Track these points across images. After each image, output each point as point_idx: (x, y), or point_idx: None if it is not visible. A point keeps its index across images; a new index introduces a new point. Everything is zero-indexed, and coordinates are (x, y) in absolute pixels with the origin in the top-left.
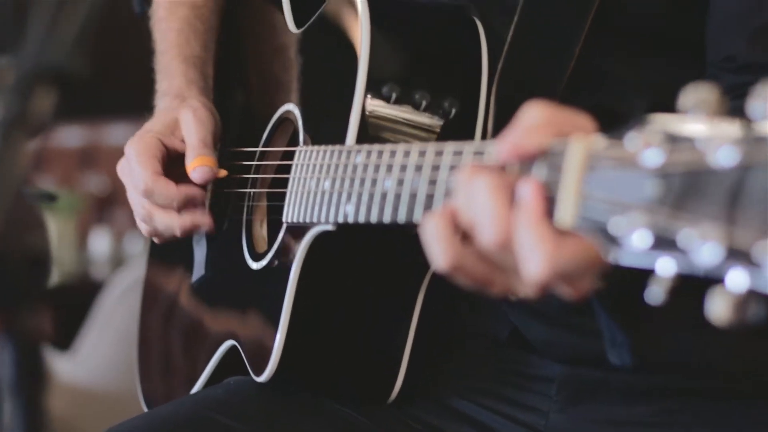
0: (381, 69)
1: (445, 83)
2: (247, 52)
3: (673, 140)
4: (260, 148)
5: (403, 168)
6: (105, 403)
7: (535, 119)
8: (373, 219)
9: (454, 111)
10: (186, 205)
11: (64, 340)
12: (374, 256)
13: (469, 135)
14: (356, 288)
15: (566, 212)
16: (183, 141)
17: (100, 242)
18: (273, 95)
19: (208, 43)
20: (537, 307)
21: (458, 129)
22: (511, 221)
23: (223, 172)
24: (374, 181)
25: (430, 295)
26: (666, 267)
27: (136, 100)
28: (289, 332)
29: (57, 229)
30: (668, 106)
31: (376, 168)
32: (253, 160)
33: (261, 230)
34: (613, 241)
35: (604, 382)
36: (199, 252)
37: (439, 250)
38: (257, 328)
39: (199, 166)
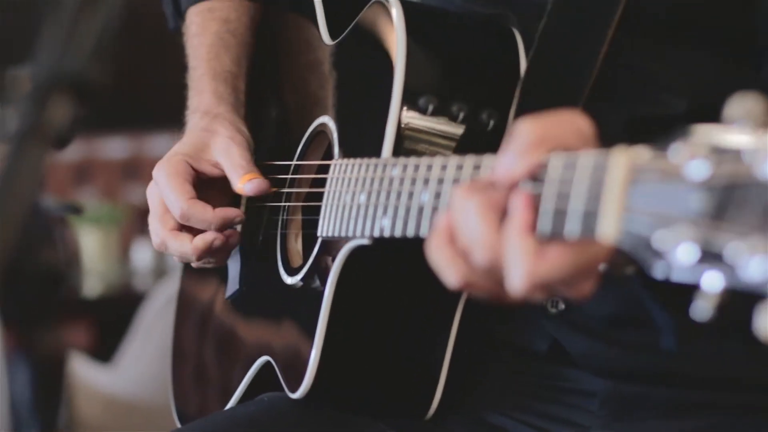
0: (417, 80)
1: (483, 94)
2: (282, 65)
3: (719, 152)
4: (295, 162)
5: (440, 181)
6: (144, 415)
7: (526, 138)
8: (410, 233)
9: (492, 123)
10: (224, 227)
11: (106, 351)
12: (411, 269)
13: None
14: (393, 302)
15: (609, 226)
16: (213, 165)
17: (143, 254)
18: (308, 108)
19: (241, 58)
20: (577, 319)
21: (497, 141)
22: (500, 241)
23: (273, 189)
24: (411, 195)
25: (468, 309)
26: (713, 282)
27: (179, 112)
28: (324, 348)
29: (100, 240)
30: (708, 104)
31: (413, 181)
32: (287, 174)
33: (296, 244)
34: (657, 255)
35: (646, 397)
36: (233, 266)
37: (447, 272)
38: (292, 343)
39: (252, 177)
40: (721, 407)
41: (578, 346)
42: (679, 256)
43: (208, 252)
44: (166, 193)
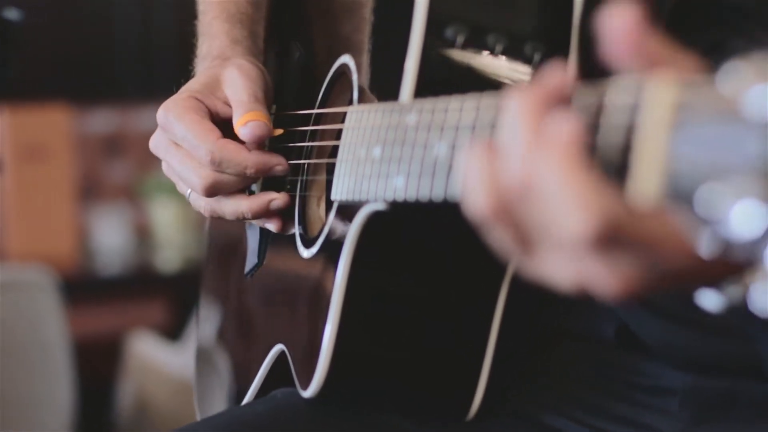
0: (444, 5)
1: (527, 22)
2: (309, 3)
3: None
4: (315, 110)
5: (456, 129)
6: None
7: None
8: (423, 195)
9: (537, 57)
10: (263, 174)
11: (182, 329)
12: (443, 241)
13: None
14: (422, 282)
15: (648, 184)
16: (226, 103)
17: None
18: (332, 48)
19: (260, 2)
20: (651, 296)
21: None
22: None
23: (278, 131)
24: (425, 146)
25: (515, 286)
26: None
27: None
28: (339, 337)
29: (176, 212)
30: None
31: (428, 129)
32: (308, 125)
33: (318, 209)
34: (704, 221)
35: (735, 395)
36: (252, 236)
37: (480, 188)
38: (305, 330)
39: (250, 120)
40: None
41: (652, 331)
42: (735, 219)
43: (265, 170)
44: (182, 134)
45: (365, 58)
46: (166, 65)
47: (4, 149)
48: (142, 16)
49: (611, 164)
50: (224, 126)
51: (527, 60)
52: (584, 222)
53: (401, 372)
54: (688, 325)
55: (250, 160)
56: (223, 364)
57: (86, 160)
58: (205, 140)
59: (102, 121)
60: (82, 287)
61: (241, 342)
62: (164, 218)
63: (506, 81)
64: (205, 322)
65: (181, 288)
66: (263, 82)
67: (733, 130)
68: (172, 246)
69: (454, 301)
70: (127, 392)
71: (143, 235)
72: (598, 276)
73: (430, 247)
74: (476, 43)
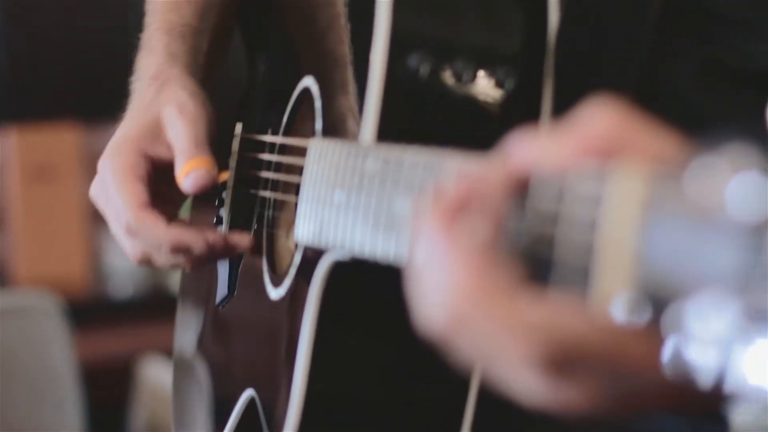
0: (408, 29)
1: (497, 46)
2: (277, 15)
3: None
4: (279, 139)
5: (413, 187)
6: None
7: (595, 127)
8: (382, 253)
9: (510, 84)
10: (178, 251)
11: None
12: None
13: (533, 116)
14: (393, 334)
15: (612, 292)
16: (169, 147)
17: None
18: (296, 66)
19: (207, 12)
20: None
21: (517, 109)
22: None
23: (224, 176)
24: (384, 199)
25: None
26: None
27: None
28: (309, 395)
29: None
30: None
31: (385, 181)
32: (273, 154)
33: (287, 242)
34: (671, 336)
35: None
36: (222, 265)
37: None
38: (274, 380)
39: (192, 169)
40: None
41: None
42: (697, 340)
43: (181, 249)
44: (112, 195)
45: (314, 66)
46: None
47: (11, 170)
48: None
49: (572, 267)
50: (167, 172)
51: (499, 86)
52: (528, 349)
53: (378, 426)
54: None
55: (165, 237)
56: (200, 395)
57: None
58: (126, 207)
59: None
60: (93, 310)
61: (214, 383)
62: None
63: (477, 111)
64: (183, 335)
65: None
66: (205, 120)
67: (705, 235)
68: None
69: (430, 352)
70: (139, 417)
71: None
72: (561, 394)
73: (401, 300)
74: (443, 72)
